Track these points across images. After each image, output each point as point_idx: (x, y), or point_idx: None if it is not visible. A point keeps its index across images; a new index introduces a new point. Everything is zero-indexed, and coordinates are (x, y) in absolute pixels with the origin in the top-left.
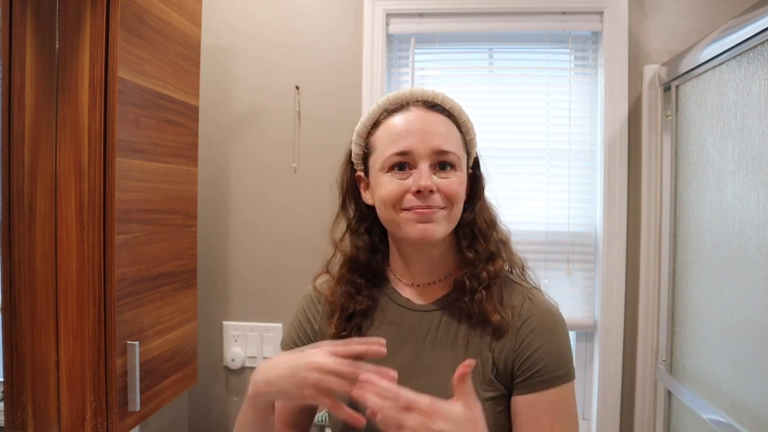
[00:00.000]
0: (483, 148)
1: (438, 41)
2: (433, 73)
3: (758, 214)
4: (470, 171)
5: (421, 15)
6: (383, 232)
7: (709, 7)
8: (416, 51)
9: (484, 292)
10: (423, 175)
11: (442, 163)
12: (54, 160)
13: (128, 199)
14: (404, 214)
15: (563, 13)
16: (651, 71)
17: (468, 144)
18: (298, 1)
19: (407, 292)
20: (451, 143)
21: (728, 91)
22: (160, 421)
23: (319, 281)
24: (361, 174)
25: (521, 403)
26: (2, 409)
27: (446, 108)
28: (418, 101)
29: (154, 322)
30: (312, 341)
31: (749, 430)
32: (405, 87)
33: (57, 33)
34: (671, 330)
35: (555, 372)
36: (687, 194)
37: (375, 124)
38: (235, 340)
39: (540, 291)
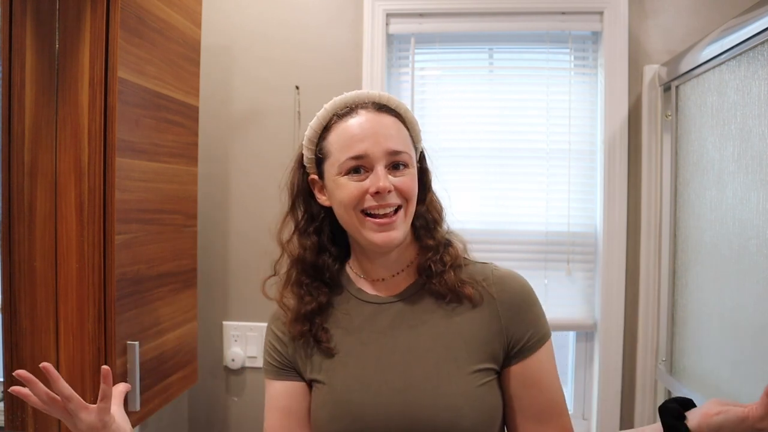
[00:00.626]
0: (483, 148)
1: (438, 41)
2: (433, 73)
3: (758, 214)
4: (418, 165)
5: (421, 15)
6: (334, 233)
7: (709, 7)
8: (416, 51)
9: (452, 271)
10: (380, 177)
11: (395, 163)
12: (54, 160)
13: (128, 199)
14: (367, 222)
15: (563, 13)
16: (651, 71)
17: (414, 140)
18: (297, 2)
19: (372, 288)
20: (402, 143)
21: (728, 91)
22: (160, 421)
23: (269, 284)
24: (315, 177)
25: (519, 369)
26: (2, 409)
27: (393, 108)
28: (366, 103)
29: (154, 322)
30: (285, 357)
31: None
32: (404, 87)
33: (57, 33)
34: (671, 330)
35: (541, 332)
36: (687, 194)
37: (325, 129)
38: (235, 340)
39: (496, 263)
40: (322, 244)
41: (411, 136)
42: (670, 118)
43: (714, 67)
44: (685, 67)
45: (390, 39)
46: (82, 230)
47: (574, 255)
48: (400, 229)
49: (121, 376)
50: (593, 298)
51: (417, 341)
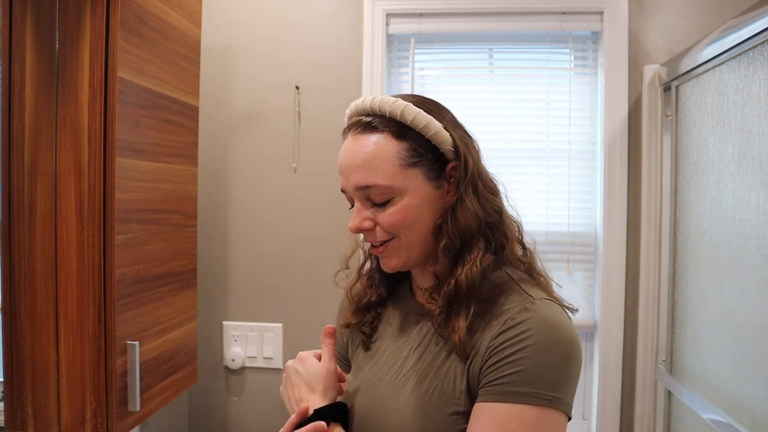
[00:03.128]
0: (483, 148)
1: (438, 41)
2: (433, 73)
3: (758, 214)
4: (454, 164)
5: (421, 15)
6: None
7: (709, 7)
8: (416, 51)
9: (444, 311)
10: (354, 216)
11: (370, 198)
12: (54, 160)
13: (128, 199)
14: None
15: (563, 13)
16: (651, 71)
17: (433, 139)
18: (297, 2)
19: (420, 294)
20: (377, 173)
21: (728, 91)
22: (160, 421)
23: (340, 277)
24: None
25: (474, 410)
26: (2, 409)
27: (387, 117)
28: (356, 122)
29: (154, 322)
30: (341, 346)
31: (749, 430)
32: (404, 87)
33: (57, 33)
34: (671, 330)
35: (522, 387)
36: (687, 194)
37: None
38: (235, 340)
39: (550, 302)
40: None
41: (411, 146)
42: (670, 118)
43: (714, 67)
44: (685, 67)
45: (390, 39)
46: (82, 230)
47: (574, 255)
48: (397, 257)
49: (121, 376)
50: (593, 297)
51: (416, 363)
